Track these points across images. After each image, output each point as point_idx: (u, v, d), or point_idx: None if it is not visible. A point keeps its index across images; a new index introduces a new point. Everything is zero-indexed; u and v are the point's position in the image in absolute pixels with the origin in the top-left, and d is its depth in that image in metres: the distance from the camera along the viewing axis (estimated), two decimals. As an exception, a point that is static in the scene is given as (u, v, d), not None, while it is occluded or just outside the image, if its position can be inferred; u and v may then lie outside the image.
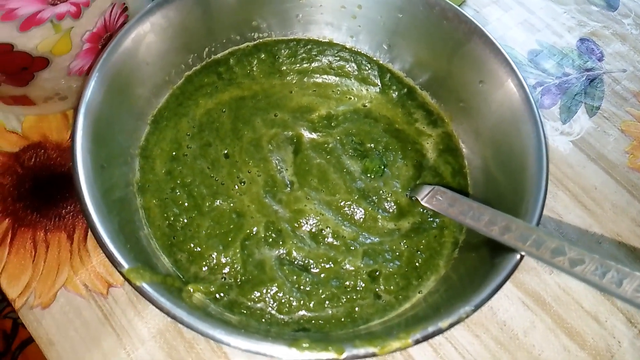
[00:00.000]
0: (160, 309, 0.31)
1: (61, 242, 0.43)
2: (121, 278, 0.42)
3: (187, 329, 0.40)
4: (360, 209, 0.44)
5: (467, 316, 0.32)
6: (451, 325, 0.32)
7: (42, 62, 0.41)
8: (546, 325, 0.44)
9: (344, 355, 0.31)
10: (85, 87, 0.37)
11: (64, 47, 0.41)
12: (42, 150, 0.47)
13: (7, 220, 0.44)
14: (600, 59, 0.61)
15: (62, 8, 0.37)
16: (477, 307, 0.33)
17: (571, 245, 0.33)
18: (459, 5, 0.45)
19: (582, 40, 0.62)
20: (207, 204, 0.42)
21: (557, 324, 0.44)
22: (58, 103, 0.47)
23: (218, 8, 0.46)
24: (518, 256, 0.35)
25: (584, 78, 0.59)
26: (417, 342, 0.32)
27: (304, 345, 0.31)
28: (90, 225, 0.33)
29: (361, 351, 0.31)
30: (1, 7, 0.34)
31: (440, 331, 0.32)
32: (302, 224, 0.43)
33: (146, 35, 0.42)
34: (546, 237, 0.34)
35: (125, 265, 0.32)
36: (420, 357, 0.42)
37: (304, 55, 0.51)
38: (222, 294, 0.39)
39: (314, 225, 0.43)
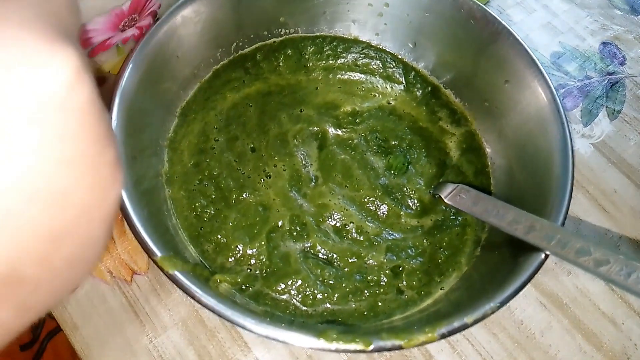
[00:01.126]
0: (192, 296, 0.32)
1: (88, 229, 0.44)
2: (145, 266, 0.43)
3: (208, 318, 0.41)
4: (383, 205, 0.44)
5: (492, 312, 0.33)
6: (476, 321, 0.33)
7: (100, 81, 0.42)
8: (563, 326, 0.44)
9: (371, 347, 0.31)
10: (120, 78, 0.37)
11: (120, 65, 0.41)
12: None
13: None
14: (622, 63, 0.61)
15: (128, 33, 0.38)
16: (502, 304, 0.33)
17: (596, 246, 0.33)
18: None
19: (604, 43, 0.62)
20: (234, 197, 0.43)
21: (573, 325, 0.45)
22: None
23: (247, 4, 0.46)
24: (543, 255, 0.35)
25: (605, 82, 0.59)
26: (443, 336, 0.32)
27: (333, 336, 0.32)
28: (124, 214, 0.34)
29: (388, 344, 0.32)
30: (79, 37, 0.35)
31: (465, 326, 0.32)
32: (327, 219, 0.43)
33: (177, 29, 0.42)
34: (571, 237, 0.34)
35: (158, 253, 0.33)
36: (438, 354, 0.42)
37: (329, 52, 0.51)
38: (247, 285, 0.39)
39: (338, 220, 0.43)
